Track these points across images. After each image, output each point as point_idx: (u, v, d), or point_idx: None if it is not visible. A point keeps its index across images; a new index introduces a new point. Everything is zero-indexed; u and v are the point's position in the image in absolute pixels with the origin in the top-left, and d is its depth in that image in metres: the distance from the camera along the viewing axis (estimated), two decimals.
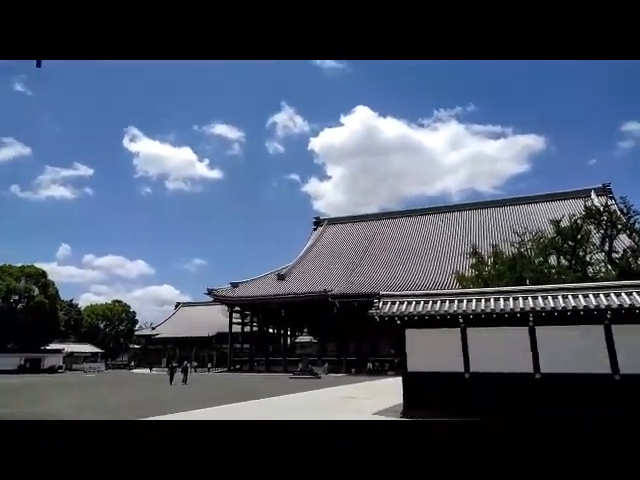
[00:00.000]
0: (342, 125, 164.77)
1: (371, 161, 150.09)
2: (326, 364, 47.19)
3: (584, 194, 58.01)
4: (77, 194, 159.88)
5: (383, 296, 13.86)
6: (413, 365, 13.15)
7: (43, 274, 59.53)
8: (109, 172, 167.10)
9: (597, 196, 55.99)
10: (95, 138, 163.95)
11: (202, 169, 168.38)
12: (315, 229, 72.78)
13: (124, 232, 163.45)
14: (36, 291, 57.50)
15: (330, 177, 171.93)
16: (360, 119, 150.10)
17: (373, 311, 13.28)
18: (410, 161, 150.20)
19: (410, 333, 13.28)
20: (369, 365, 45.37)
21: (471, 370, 12.53)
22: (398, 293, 14.38)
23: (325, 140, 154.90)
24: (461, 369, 12.63)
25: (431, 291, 14.13)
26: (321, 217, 75.86)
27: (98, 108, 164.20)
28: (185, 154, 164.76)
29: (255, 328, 61.58)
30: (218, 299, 58.04)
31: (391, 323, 13.34)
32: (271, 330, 64.70)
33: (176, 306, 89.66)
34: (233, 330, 59.29)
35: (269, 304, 54.00)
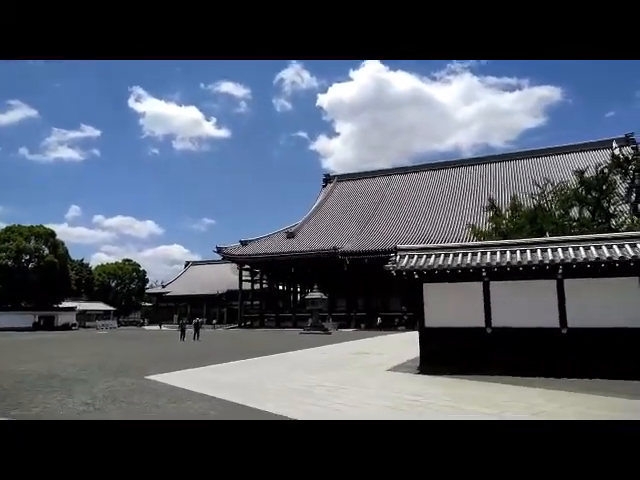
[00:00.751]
0: (351, 80, 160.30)
1: (381, 116, 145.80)
2: (330, 320, 47.33)
3: (606, 145, 56.01)
4: (85, 155, 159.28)
5: (400, 250, 13.07)
6: (431, 320, 12.52)
7: (52, 234, 59.44)
8: (116, 133, 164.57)
9: (619, 147, 53.90)
10: (100, 99, 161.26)
11: (209, 128, 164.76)
12: (324, 186, 71.42)
13: (133, 193, 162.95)
14: (46, 251, 57.59)
15: (339, 134, 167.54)
16: (369, 73, 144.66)
17: (390, 265, 12.54)
18: (421, 116, 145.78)
19: (428, 288, 12.58)
20: (378, 320, 45.36)
21: (493, 325, 11.88)
22: (416, 246, 13.57)
23: (334, 96, 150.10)
24: (482, 324, 11.99)
25: (450, 244, 13.31)
26: (330, 174, 74.15)
27: (101, 68, 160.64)
28: (191, 113, 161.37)
29: (265, 285, 61.75)
30: (227, 257, 57.91)
31: (408, 277, 12.62)
32: (280, 287, 64.89)
33: (185, 265, 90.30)
34: (243, 288, 59.56)
35: (278, 262, 53.73)
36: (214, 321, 63.57)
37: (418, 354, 12.76)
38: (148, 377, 12.12)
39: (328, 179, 72.51)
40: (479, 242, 13.61)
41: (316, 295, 38.72)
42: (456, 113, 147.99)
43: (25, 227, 58.48)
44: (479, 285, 11.98)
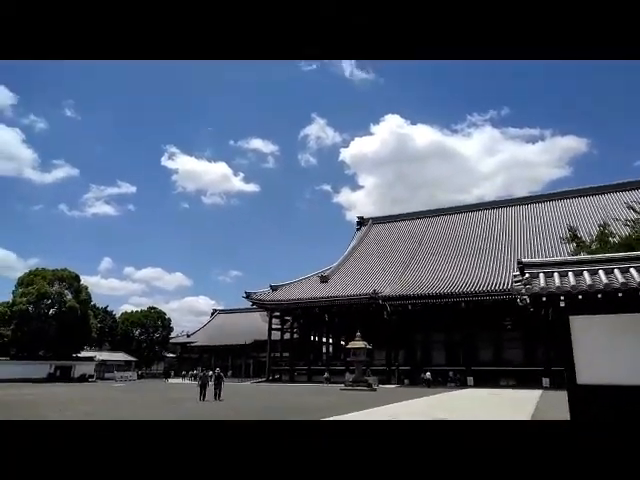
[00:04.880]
0: (372, 134, 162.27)
1: (404, 169, 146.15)
2: (370, 374, 41.82)
3: None
4: (120, 211, 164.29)
5: (528, 265, 8.79)
6: (586, 373, 8.03)
7: (76, 278, 56.93)
8: (150, 189, 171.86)
9: None
10: (136, 157, 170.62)
11: (237, 183, 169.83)
12: (358, 229, 67.81)
13: (164, 245, 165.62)
14: (69, 296, 54.85)
15: (362, 187, 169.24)
16: (390, 127, 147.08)
17: (520, 286, 8.26)
18: (444, 168, 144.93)
19: (579, 323, 8.18)
20: (427, 375, 39.67)
21: None
22: (551, 260, 9.27)
23: (356, 150, 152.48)
24: None
25: (601, 255, 8.96)
26: (365, 217, 70.68)
27: (137, 127, 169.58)
28: (221, 169, 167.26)
29: (295, 335, 56.94)
30: (256, 303, 53.84)
31: (546, 306, 8.29)
32: (312, 338, 59.87)
33: (212, 313, 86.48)
34: (272, 337, 54.97)
35: (311, 308, 49.29)
36: (229, 373, 58.47)
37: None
38: None
39: (362, 222, 68.95)
40: None
41: (359, 344, 33.69)
42: (479, 165, 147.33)
43: (49, 271, 56.16)
44: None
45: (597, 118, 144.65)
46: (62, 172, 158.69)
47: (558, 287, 7.83)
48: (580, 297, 7.76)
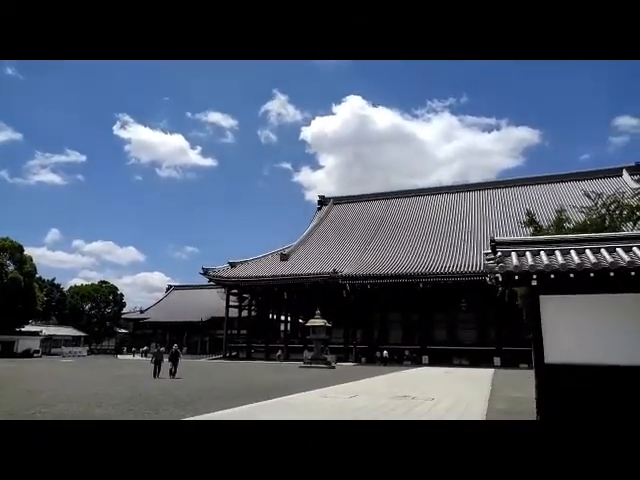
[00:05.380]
0: (334, 114, 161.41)
1: (363, 150, 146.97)
2: (328, 351, 42.15)
3: (614, 173, 53.52)
4: (69, 180, 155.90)
5: (501, 243, 8.64)
6: (554, 353, 8.03)
7: (19, 248, 53.55)
8: (101, 159, 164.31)
9: (630, 175, 51.47)
10: (86, 124, 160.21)
11: (194, 156, 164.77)
12: (319, 209, 67.43)
13: (115, 218, 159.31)
14: (11, 267, 51.67)
15: (323, 166, 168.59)
16: (352, 108, 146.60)
17: (493, 264, 8.09)
18: (403, 152, 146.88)
19: (549, 303, 8.15)
20: (384, 353, 40.34)
21: None
22: (523, 238, 9.17)
23: (317, 129, 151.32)
24: None
25: (577, 235, 8.93)
26: (326, 195, 70.31)
27: (88, 94, 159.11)
28: (177, 141, 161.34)
29: (253, 313, 56.43)
30: (214, 280, 52.74)
31: (517, 285, 8.20)
32: (270, 316, 59.55)
33: (167, 289, 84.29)
34: (230, 315, 54.23)
35: (271, 286, 48.82)
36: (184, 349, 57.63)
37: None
38: None
39: (323, 201, 68.59)
40: (623, 232, 9.39)
41: (319, 322, 33.61)
42: (436, 151, 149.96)
43: None
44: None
45: (550, 113, 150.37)
46: (2, 136, 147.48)
47: (531, 265, 7.71)
48: (552, 276, 7.67)
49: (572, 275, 7.58)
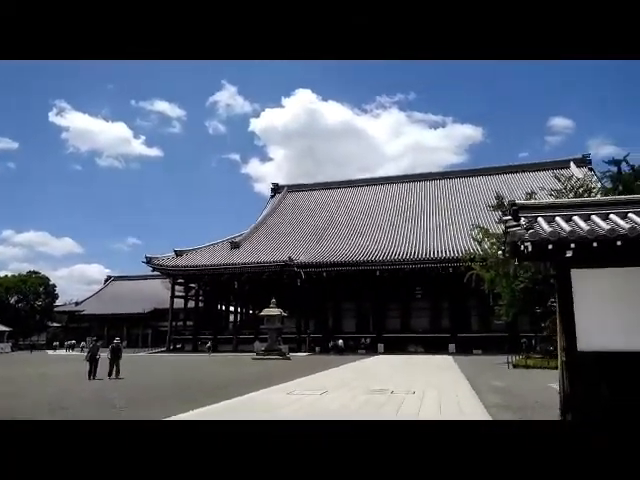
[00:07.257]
0: (283, 107, 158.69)
1: (313, 144, 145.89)
2: (281, 342, 40.33)
3: (563, 165, 55.20)
4: None
5: (523, 207, 7.13)
6: (589, 338, 6.65)
7: None
8: (36, 146, 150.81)
9: (577, 167, 53.24)
10: (19, 110, 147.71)
11: (138, 146, 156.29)
12: (273, 196, 65.06)
13: (50, 209, 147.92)
14: None
15: (272, 159, 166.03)
16: (301, 102, 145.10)
17: (521, 232, 6.53)
18: (352, 146, 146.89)
19: (581, 277, 6.74)
20: (339, 342, 39.03)
21: None
22: (548, 202, 7.69)
23: (266, 121, 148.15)
24: None
25: (607, 198, 7.60)
26: (279, 184, 67.99)
27: (20, 77, 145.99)
28: (120, 130, 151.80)
29: (201, 304, 53.41)
30: (158, 269, 49.23)
31: (548, 256, 6.72)
32: (219, 306, 56.73)
33: (106, 280, 78.70)
34: (175, 306, 50.88)
35: (220, 275, 46.07)
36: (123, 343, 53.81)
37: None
38: None
39: (277, 189, 66.25)
40: None
41: (274, 311, 31.56)
42: (385, 146, 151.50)
43: None
44: None
45: (491, 112, 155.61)
46: None
47: (571, 232, 6.23)
48: (595, 245, 6.24)
49: (619, 243, 6.18)
